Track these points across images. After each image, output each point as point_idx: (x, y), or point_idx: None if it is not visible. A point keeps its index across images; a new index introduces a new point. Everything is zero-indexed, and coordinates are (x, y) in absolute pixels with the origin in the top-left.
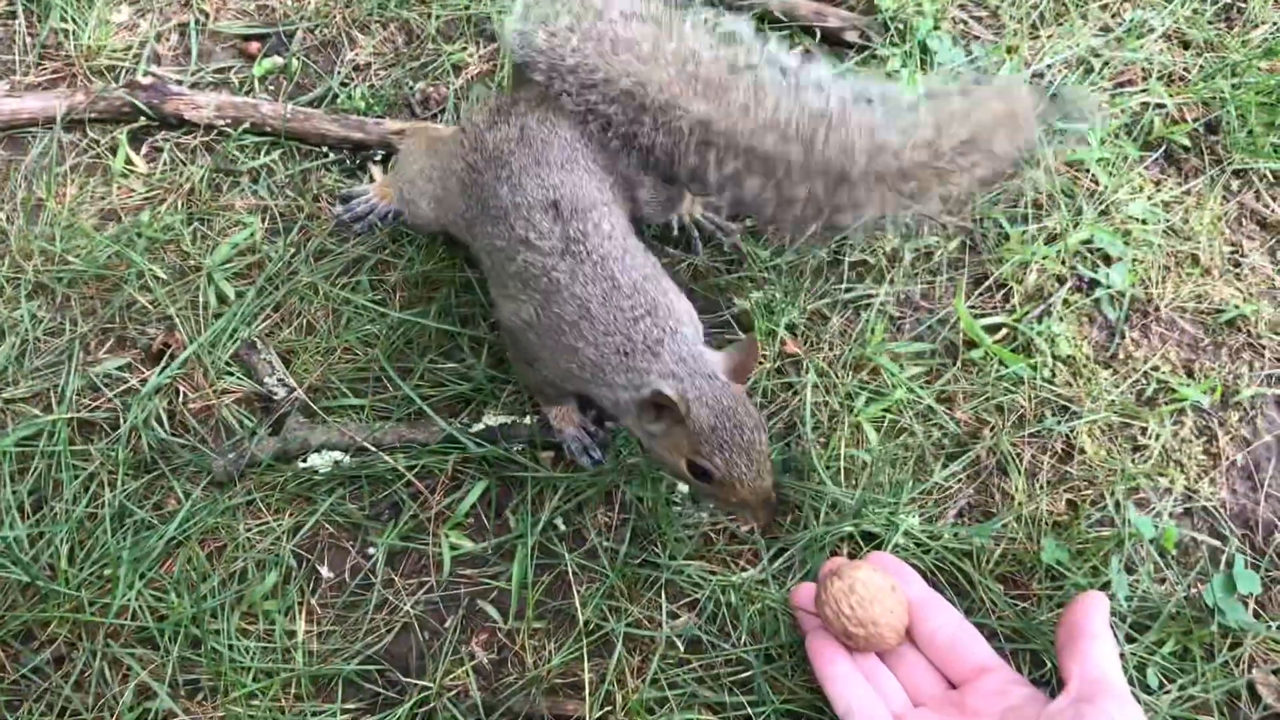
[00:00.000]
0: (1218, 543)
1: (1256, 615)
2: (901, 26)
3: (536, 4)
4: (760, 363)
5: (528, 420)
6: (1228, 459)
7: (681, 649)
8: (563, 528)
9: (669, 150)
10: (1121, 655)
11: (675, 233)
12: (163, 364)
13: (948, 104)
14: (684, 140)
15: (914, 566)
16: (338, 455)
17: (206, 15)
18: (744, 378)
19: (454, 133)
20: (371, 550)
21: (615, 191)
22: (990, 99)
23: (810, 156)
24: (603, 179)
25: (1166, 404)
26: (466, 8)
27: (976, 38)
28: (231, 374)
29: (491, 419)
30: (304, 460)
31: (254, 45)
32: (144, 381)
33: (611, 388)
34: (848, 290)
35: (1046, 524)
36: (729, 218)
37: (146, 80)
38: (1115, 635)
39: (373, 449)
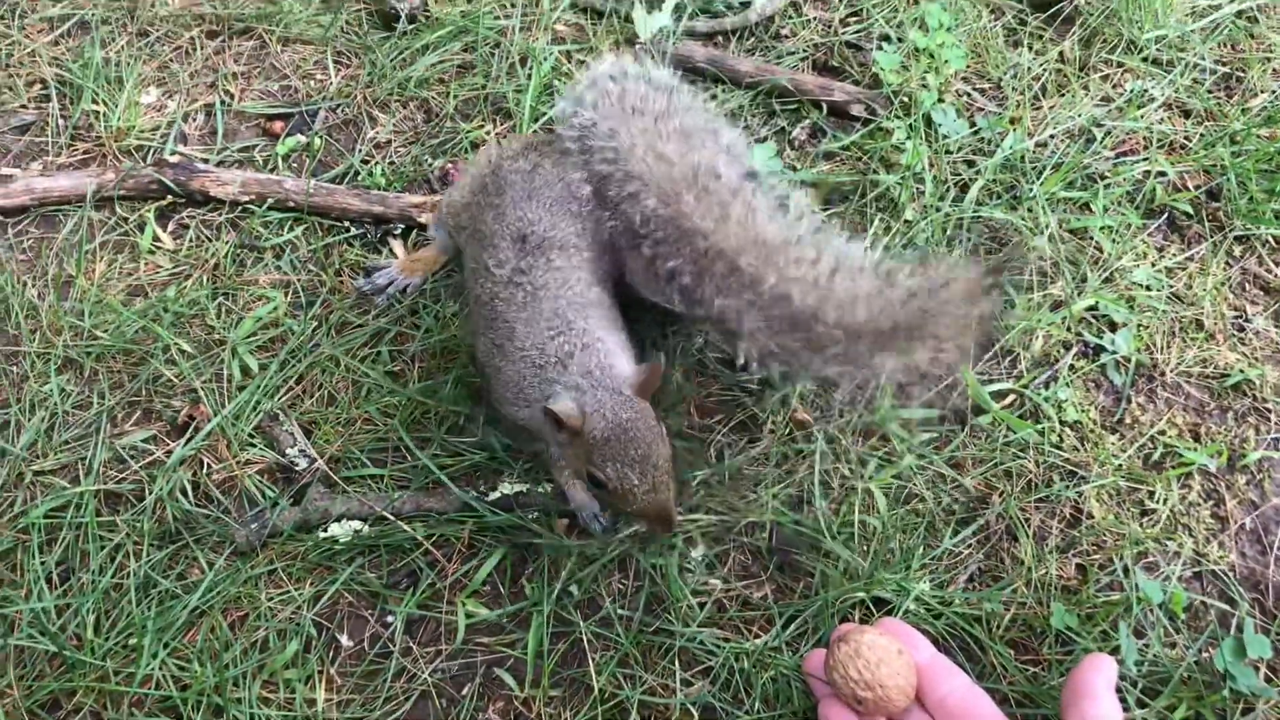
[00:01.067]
0: (1227, 607)
1: (1268, 680)
2: (906, 100)
3: (593, 88)
4: (773, 432)
5: (542, 489)
6: (1236, 522)
7: (696, 716)
8: (577, 595)
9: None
10: None
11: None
12: (187, 436)
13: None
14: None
15: (925, 632)
16: (357, 525)
17: (232, 96)
18: (646, 393)
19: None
20: (390, 618)
21: (596, 246)
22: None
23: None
24: (586, 229)
25: (1173, 468)
26: (483, 87)
27: (980, 109)
28: (254, 445)
29: (507, 487)
30: (324, 530)
31: (278, 124)
32: (169, 453)
33: (532, 405)
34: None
35: (1056, 588)
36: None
37: (174, 159)
38: (1126, 700)
39: (392, 518)
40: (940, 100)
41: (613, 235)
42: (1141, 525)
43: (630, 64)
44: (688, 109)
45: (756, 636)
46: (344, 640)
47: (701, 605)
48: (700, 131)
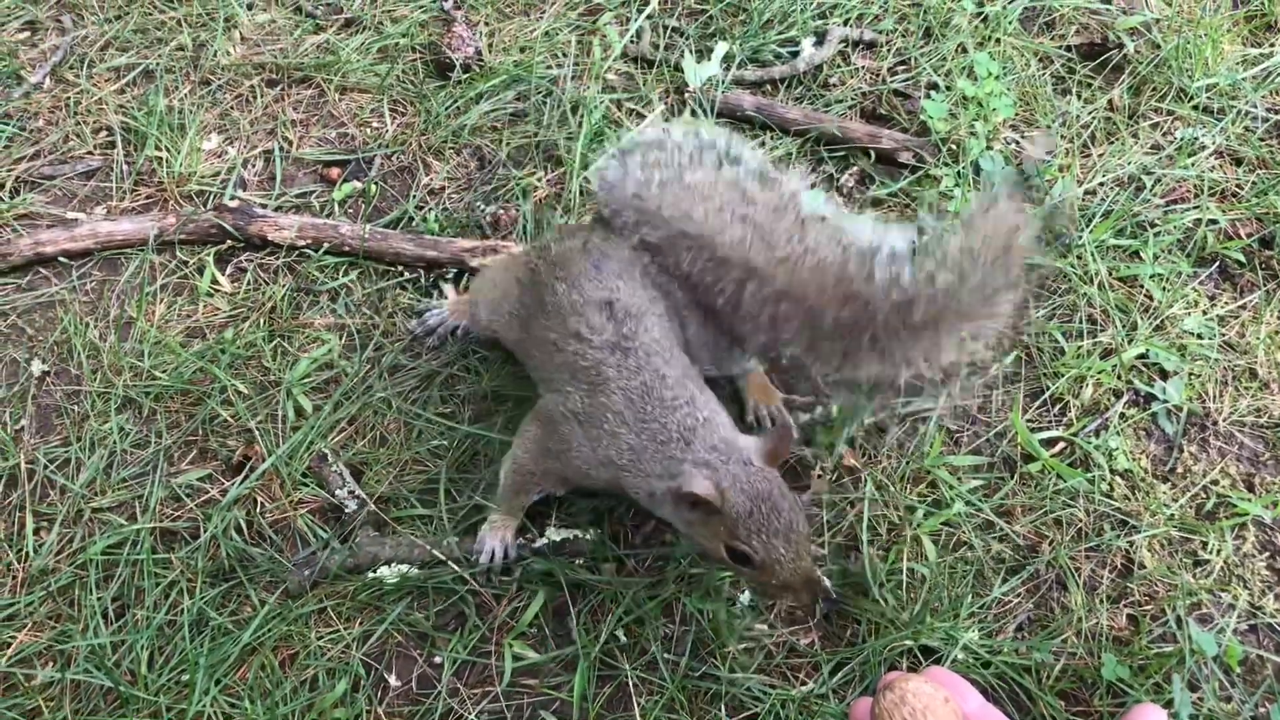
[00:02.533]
0: None
1: None
2: (955, 147)
3: (630, 152)
4: (821, 477)
5: (589, 535)
6: None
7: None
8: (624, 639)
9: (716, 289)
10: None
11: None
12: (242, 475)
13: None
14: (727, 279)
15: (973, 681)
16: (405, 567)
17: (290, 143)
18: (776, 461)
19: (524, 249)
20: (438, 659)
21: (667, 312)
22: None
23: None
24: (655, 296)
25: (1227, 518)
26: (534, 135)
27: (1029, 157)
28: (307, 485)
29: (554, 534)
30: (373, 571)
31: (334, 171)
32: (224, 492)
33: (647, 477)
34: (905, 404)
35: (1107, 639)
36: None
37: (233, 204)
38: None
39: (444, 558)
40: (989, 148)
41: (676, 304)
42: (1194, 576)
43: (669, 126)
44: (738, 161)
45: (803, 683)
46: (392, 680)
47: (748, 651)
48: (761, 179)
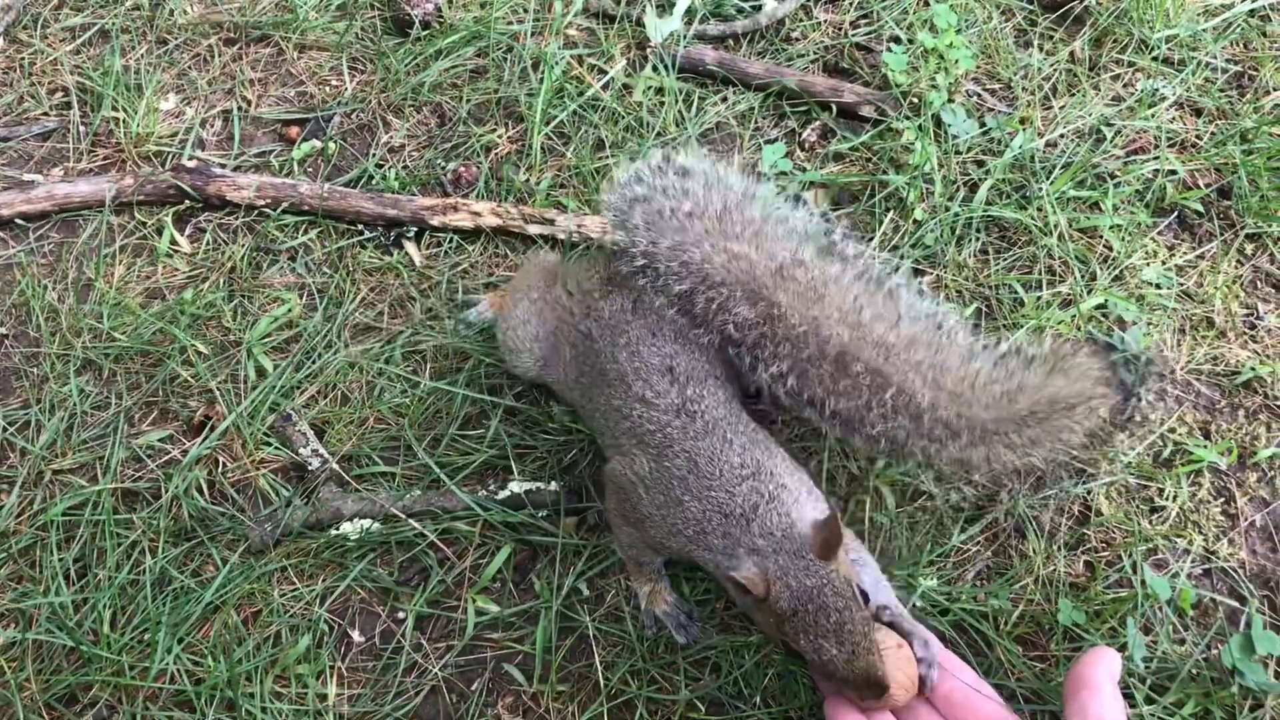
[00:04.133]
0: (1236, 604)
1: (1277, 676)
2: (916, 101)
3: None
4: (784, 429)
5: (553, 486)
6: (1246, 519)
7: (703, 710)
8: (585, 592)
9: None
10: (1140, 717)
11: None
12: (203, 436)
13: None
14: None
15: (932, 628)
16: (368, 522)
17: (249, 102)
18: (830, 554)
19: (560, 293)
20: (401, 614)
21: (722, 370)
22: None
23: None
24: (711, 357)
25: (1183, 465)
26: (495, 91)
27: (990, 109)
28: (269, 445)
29: (517, 486)
30: (336, 528)
31: (294, 130)
32: (185, 452)
33: (711, 551)
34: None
35: (1064, 585)
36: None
37: (191, 164)
38: (1134, 696)
39: (402, 516)
40: (950, 101)
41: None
42: (1151, 522)
43: (658, 163)
44: (744, 197)
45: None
46: (355, 636)
47: (706, 604)
48: (769, 221)
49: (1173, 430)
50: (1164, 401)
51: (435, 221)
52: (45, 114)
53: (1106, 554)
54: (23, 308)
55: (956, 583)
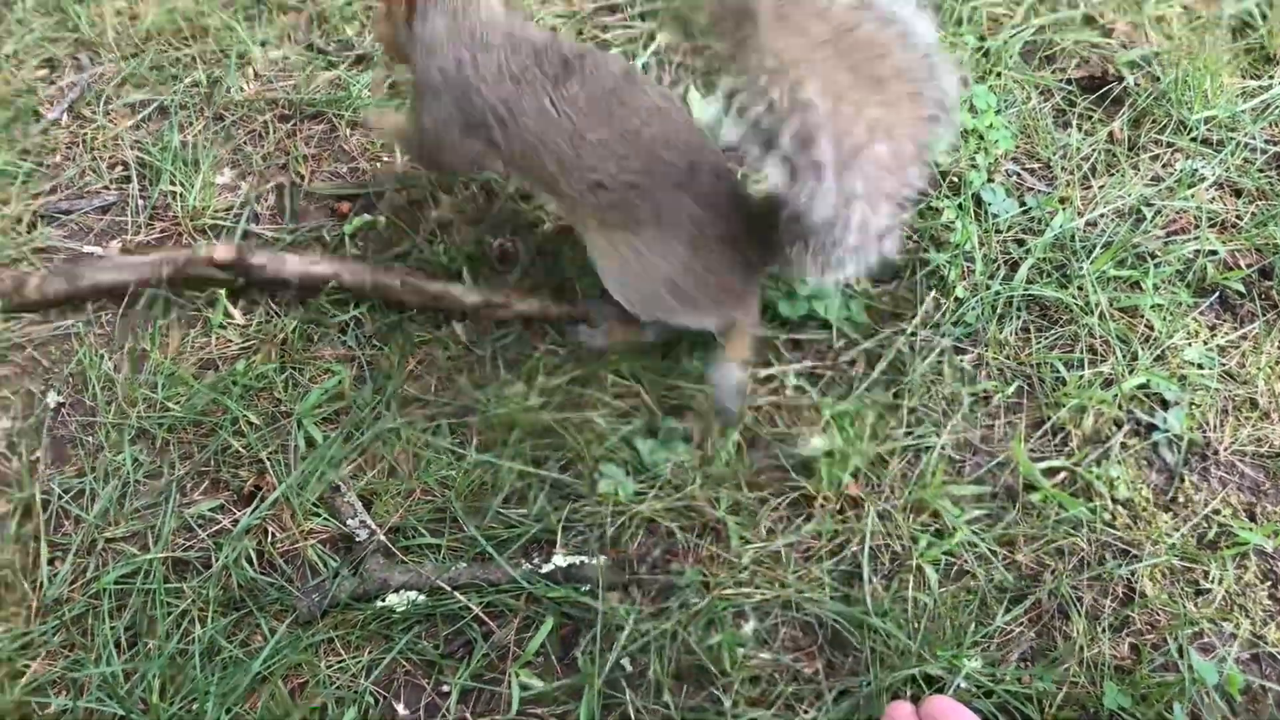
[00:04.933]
0: None
1: None
2: (956, 180)
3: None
4: (824, 507)
5: (596, 561)
6: None
7: None
8: (629, 668)
9: None
10: None
11: None
12: (254, 505)
13: None
14: None
15: (976, 710)
16: (414, 594)
17: (302, 177)
18: None
19: None
20: (445, 687)
21: None
22: None
23: None
24: None
25: (1228, 547)
26: None
27: (1030, 189)
28: (318, 515)
29: (561, 559)
30: (382, 600)
31: (345, 205)
32: (235, 522)
33: None
34: (907, 434)
35: (1109, 668)
36: None
37: (231, 255)
38: None
39: (448, 589)
40: (990, 180)
41: None
42: (1196, 605)
43: None
44: None
45: (806, 712)
46: (400, 710)
47: (753, 680)
48: None
49: (1217, 512)
50: (1207, 482)
51: (482, 315)
52: (106, 188)
53: (1152, 636)
54: (80, 377)
55: (1000, 664)
